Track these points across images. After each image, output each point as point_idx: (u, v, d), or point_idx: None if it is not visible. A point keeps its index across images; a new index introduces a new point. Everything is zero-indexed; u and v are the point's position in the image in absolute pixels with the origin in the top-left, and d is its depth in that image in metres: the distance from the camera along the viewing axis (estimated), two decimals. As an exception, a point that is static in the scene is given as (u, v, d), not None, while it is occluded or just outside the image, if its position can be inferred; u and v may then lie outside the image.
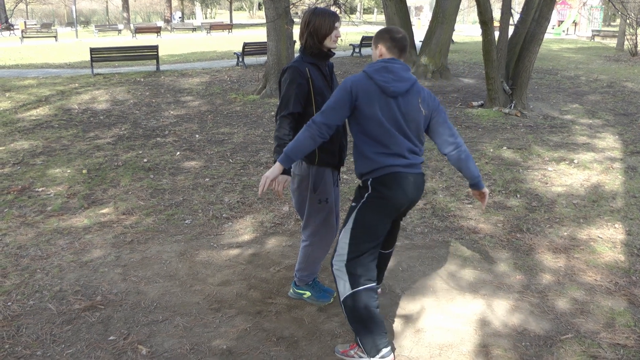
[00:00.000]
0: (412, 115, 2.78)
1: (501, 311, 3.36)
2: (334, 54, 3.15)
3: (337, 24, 3.02)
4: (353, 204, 2.87)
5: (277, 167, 2.73)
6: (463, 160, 2.88)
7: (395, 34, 2.84)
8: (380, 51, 2.85)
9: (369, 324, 2.77)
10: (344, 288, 2.79)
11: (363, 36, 18.85)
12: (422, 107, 2.82)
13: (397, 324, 3.21)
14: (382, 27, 2.98)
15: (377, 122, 2.73)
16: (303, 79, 2.97)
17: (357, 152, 2.83)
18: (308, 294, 3.44)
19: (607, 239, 4.43)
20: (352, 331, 2.95)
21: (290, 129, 2.96)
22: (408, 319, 3.28)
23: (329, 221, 3.22)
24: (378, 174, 2.76)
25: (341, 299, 2.82)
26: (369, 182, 2.78)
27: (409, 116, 2.78)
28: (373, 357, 2.77)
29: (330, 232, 3.27)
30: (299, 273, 3.38)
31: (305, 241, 3.28)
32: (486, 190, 3.01)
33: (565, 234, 4.53)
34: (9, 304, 3.40)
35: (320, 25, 2.98)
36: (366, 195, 2.79)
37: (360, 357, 2.84)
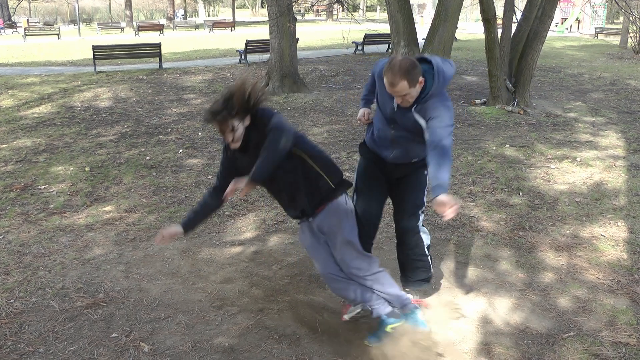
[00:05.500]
0: None
1: (503, 309, 3.36)
2: None
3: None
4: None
5: None
6: None
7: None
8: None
9: None
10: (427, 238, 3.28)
11: (366, 34, 18.76)
12: None
13: (399, 322, 3.21)
14: (406, 61, 2.69)
15: None
16: None
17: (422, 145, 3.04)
18: None
19: (609, 237, 4.42)
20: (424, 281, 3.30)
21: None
22: (410, 316, 3.27)
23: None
24: None
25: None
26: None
27: None
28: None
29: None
30: None
31: None
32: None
33: (568, 232, 4.52)
34: (12, 301, 3.42)
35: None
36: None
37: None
